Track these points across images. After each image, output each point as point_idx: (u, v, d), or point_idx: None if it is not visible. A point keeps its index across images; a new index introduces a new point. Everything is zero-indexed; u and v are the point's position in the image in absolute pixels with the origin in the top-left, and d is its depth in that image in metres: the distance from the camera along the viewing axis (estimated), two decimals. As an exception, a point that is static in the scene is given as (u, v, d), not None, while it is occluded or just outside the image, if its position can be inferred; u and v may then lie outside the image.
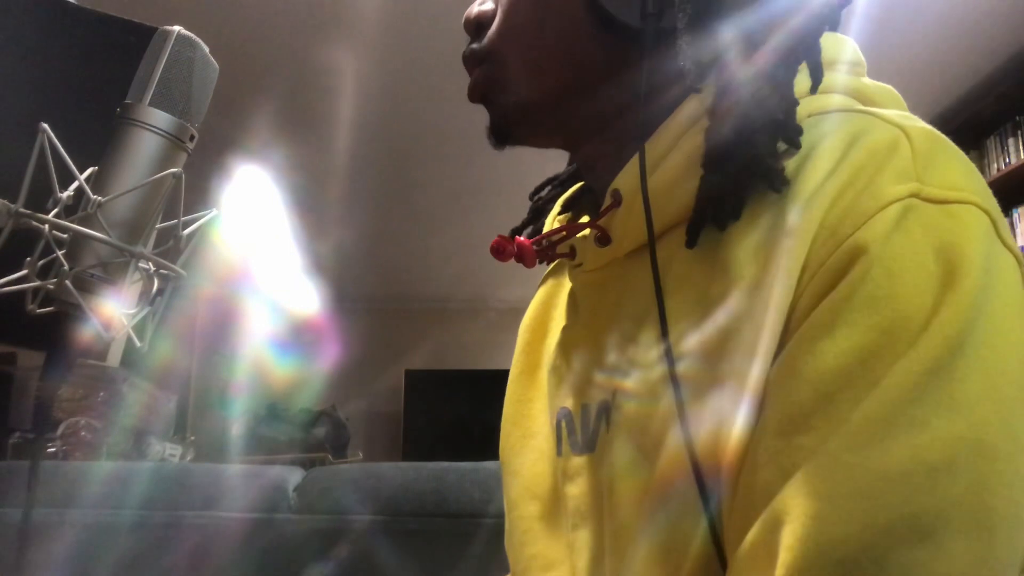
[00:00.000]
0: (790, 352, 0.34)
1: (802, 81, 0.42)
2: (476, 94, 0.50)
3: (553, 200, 0.57)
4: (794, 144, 0.38)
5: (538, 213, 0.57)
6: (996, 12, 2.35)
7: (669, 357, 0.38)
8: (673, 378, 0.38)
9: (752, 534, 0.33)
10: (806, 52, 0.41)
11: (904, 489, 0.29)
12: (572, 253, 0.49)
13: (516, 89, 0.48)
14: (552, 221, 0.56)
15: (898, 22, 2.37)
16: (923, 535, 0.29)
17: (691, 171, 0.41)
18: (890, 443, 0.30)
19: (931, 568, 0.29)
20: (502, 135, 0.50)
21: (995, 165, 2.79)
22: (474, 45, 0.50)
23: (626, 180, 0.44)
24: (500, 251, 0.48)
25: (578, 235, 0.48)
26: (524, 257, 0.48)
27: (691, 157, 0.41)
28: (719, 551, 0.36)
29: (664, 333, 0.39)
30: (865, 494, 0.29)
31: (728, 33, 0.40)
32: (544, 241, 0.49)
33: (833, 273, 0.33)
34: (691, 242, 0.40)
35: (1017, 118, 2.71)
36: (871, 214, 0.33)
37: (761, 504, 0.33)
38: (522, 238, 0.49)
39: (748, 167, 0.38)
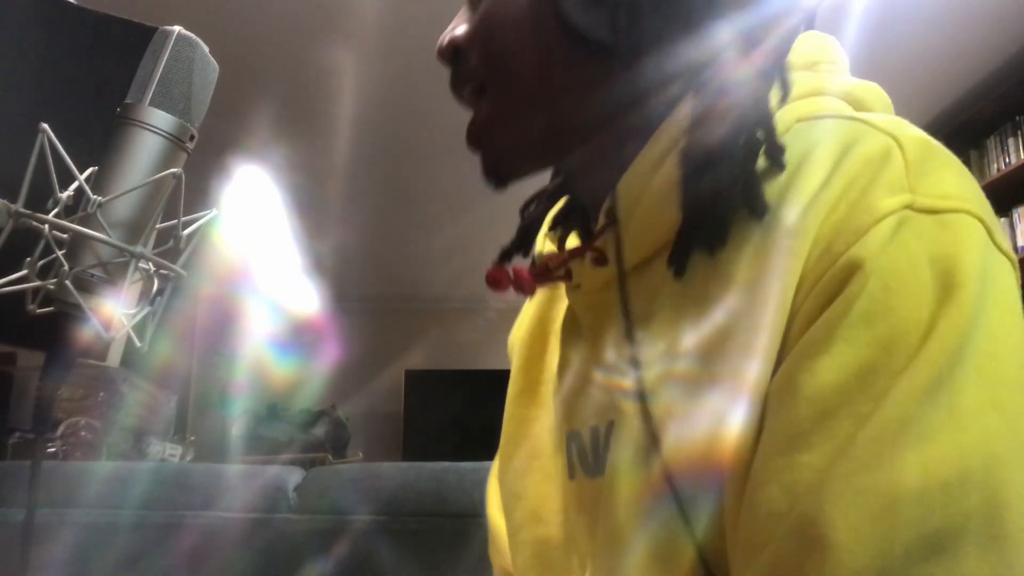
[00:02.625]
0: (788, 369, 0.34)
1: (796, 86, 0.42)
2: (474, 138, 0.48)
3: (542, 217, 0.57)
4: (777, 163, 0.38)
5: (527, 231, 0.56)
6: (996, 12, 2.35)
7: (636, 371, 0.39)
8: (640, 391, 0.38)
9: (766, 560, 0.32)
10: (779, 67, 0.40)
11: (918, 508, 0.29)
12: (568, 274, 0.49)
13: (506, 125, 0.47)
14: (543, 238, 0.55)
15: (898, 22, 2.37)
16: (938, 551, 0.29)
17: (678, 187, 0.40)
18: (899, 461, 0.30)
19: None
20: (499, 177, 0.49)
21: (995, 165, 2.79)
22: (461, 73, 0.48)
23: (619, 201, 0.43)
24: (496, 282, 0.47)
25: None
26: (522, 287, 0.47)
27: (677, 173, 0.41)
28: (705, 563, 0.36)
29: (631, 343, 0.39)
30: (880, 517, 0.29)
31: (699, 46, 0.40)
32: (539, 268, 0.48)
33: (829, 290, 0.33)
34: (679, 271, 0.40)
35: (1017, 118, 2.71)
36: (865, 229, 0.33)
37: (767, 523, 0.32)
38: (519, 266, 0.48)
39: (725, 192, 0.38)
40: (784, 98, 0.41)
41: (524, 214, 0.57)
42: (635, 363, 0.40)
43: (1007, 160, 2.75)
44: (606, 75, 0.43)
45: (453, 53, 0.48)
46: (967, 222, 0.34)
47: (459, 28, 0.48)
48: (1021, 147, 2.70)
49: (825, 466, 0.31)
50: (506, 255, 0.54)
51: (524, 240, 0.56)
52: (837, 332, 0.32)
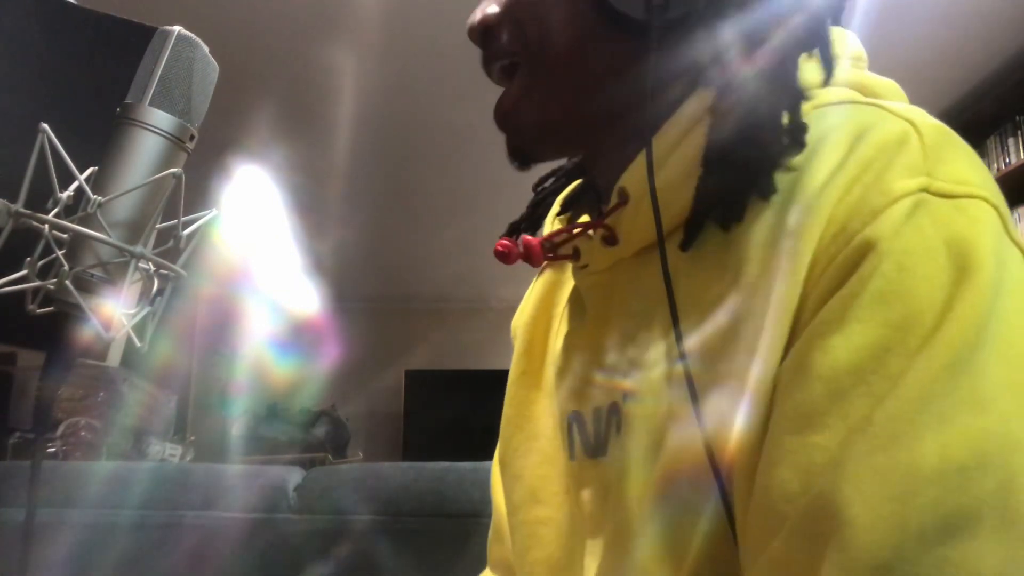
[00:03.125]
0: (800, 349, 0.34)
1: (812, 74, 0.42)
2: (502, 114, 0.48)
3: (555, 193, 0.57)
4: (798, 142, 0.38)
5: (538, 206, 0.56)
6: (996, 12, 2.35)
7: (682, 352, 0.38)
8: (688, 374, 0.37)
9: (781, 540, 0.32)
10: (812, 47, 0.41)
11: (936, 489, 0.29)
12: (576, 254, 0.49)
13: (535, 102, 0.47)
14: (552, 220, 0.55)
15: (898, 22, 2.37)
16: (954, 533, 0.29)
17: (696, 169, 0.40)
18: (917, 442, 0.29)
19: (963, 567, 0.28)
20: (524, 157, 0.49)
21: (995, 165, 2.79)
22: (492, 52, 0.48)
23: (633, 178, 0.43)
24: (506, 255, 0.47)
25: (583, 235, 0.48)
26: (531, 257, 0.47)
27: (696, 154, 0.41)
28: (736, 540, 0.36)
29: (677, 331, 0.38)
30: (897, 497, 0.29)
31: (732, 28, 0.40)
32: (547, 242, 0.48)
33: (843, 270, 0.33)
34: (687, 243, 0.40)
35: (1017, 118, 2.71)
36: (881, 210, 0.33)
37: (780, 503, 0.32)
38: (527, 236, 0.48)
39: (747, 168, 0.38)
40: (827, 80, 0.41)
41: (537, 190, 0.57)
42: (676, 344, 0.39)
43: (1007, 160, 2.75)
44: (635, 57, 0.43)
45: (483, 32, 0.48)
46: (983, 208, 0.34)
47: (489, 7, 0.48)
48: (1021, 147, 2.70)
49: (840, 446, 0.31)
50: (515, 229, 0.54)
51: (534, 215, 0.56)
52: (850, 312, 0.32)
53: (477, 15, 0.48)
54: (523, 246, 0.47)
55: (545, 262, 0.54)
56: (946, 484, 0.29)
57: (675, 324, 0.38)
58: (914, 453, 0.29)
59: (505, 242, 0.47)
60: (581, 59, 0.45)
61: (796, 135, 0.38)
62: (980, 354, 0.30)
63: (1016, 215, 2.74)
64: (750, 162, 0.38)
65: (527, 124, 0.48)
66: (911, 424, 0.30)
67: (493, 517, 0.62)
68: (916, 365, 0.30)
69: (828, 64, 0.41)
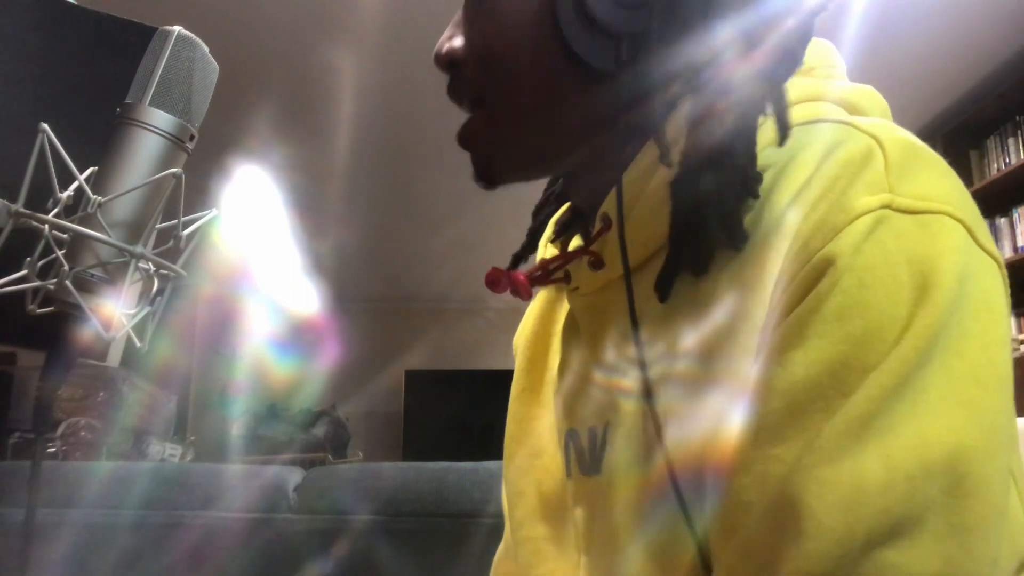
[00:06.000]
0: (763, 363, 0.34)
1: (793, 91, 0.42)
2: (465, 140, 0.49)
3: (549, 218, 0.57)
4: (752, 194, 0.38)
5: (536, 233, 0.57)
6: (996, 12, 2.36)
7: (638, 370, 0.39)
8: (647, 388, 0.38)
9: (737, 544, 0.33)
10: (772, 94, 0.41)
11: (882, 498, 0.30)
12: (567, 277, 0.49)
13: (499, 131, 0.47)
14: (545, 243, 0.55)
15: (898, 23, 2.37)
16: (899, 538, 0.29)
17: (667, 196, 0.41)
18: (861, 455, 0.30)
19: (905, 569, 0.29)
20: (490, 179, 0.49)
21: (995, 165, 2.79)
22: (459, 83, 0.48)
23: (613, 205, 0.44)
24: (495, 284, 0.47)
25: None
26: (519, 291, 0.48)
27: (666, 185, 0.41)
28: (704, 559, 0.36)
29: (637, 341, 0.39)
30: (843, 507, 0.30)
31: (699, 57, 0.40)
32: (538, 271, 0.49)
33: (803, 286, 0.34)
34: (663, 296, 0.40)
35: (1017, 118, 2.71)
36: (841, 227, 0.33)
37: (738, 512, 0.33)
38: (515, 272, 0.48)
39: (717, 197, 0.38)
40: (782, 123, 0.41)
41: (536, 217, 0.58)
42: (638, 363, 0.40)
43: (1007, 160, 2.75)
44: (605, 90, 0.43)
45: (449, 63, 0.48)
46: (946, 224, 0.34)
47: (456, 39, 0.48)
48: (1021, 147, 2.70)
49: (795, 459, 0.32)
50: (517, 260, 0.55)
51: (533, 242, 0.56)
52: (810, 328, 0.33)
53: (443, 46, 0.48)
54: (511, 280, 0.47)
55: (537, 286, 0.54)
56: (892, 493, 0.30)
57: (634, 334, 0.39)
58: (858, 464, 0.30)
59: (494, 273, 0.48)
60: (547, 98, 0.45)
61: (751, 187, 0.38)
62: (927, 368, 0.31)
63: (1016, 215, 2.74)
64: (722, 190, 0.38)
65: (491, 152, 0.48)
66: (855, 438, 0.31)
67: (504, 533, 0.62)
68: (867, 381, 0.31)
69: (783, 115, 0.41)
